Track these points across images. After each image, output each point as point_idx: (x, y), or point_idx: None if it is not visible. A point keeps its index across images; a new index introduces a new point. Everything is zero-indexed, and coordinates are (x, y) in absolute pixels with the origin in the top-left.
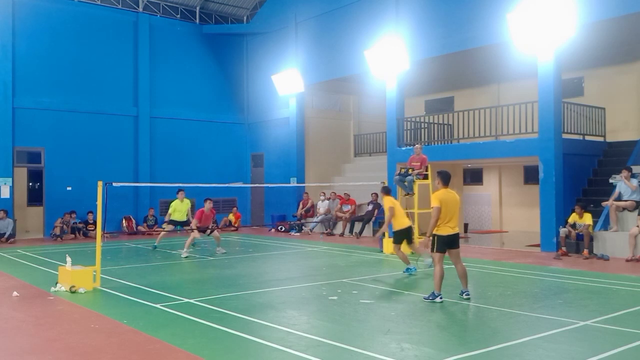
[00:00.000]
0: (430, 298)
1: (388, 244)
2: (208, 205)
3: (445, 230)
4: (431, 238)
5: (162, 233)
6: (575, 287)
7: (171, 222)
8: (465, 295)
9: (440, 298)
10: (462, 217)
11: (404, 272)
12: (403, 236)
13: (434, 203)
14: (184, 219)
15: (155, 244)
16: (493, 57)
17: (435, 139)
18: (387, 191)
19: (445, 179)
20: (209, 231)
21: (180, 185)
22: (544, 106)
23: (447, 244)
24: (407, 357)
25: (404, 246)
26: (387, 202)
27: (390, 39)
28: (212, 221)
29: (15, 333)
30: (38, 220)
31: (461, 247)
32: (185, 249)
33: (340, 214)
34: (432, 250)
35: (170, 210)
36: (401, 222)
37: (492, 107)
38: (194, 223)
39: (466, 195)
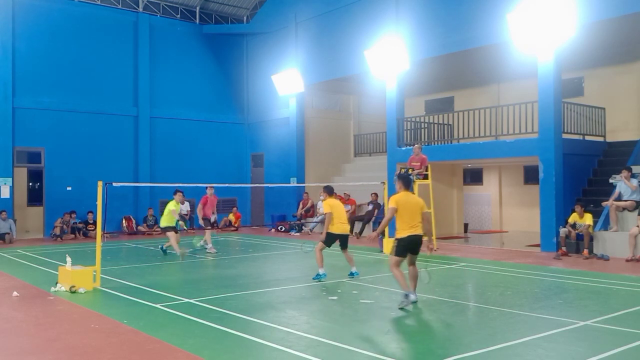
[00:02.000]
0: (403, 304)
1: (388, 243)
2: (210, 190)
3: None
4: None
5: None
6: (575, 287)
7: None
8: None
9: (413, 296)
10: (462, 217)
11: (313, 278)
12: (334, 240)
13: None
14: (173, 223)
15: (179, 254)
16: (493, 57)
17: (435, 139)
18: (330, 191)
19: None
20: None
21: (181, 185)
22: (544, 106)
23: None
24: (407, 357)
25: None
26: (326, 206)
27: (390, 39)
28: (215, 208)
29: (15, 333)
30: (38, 220)
31: (462, 247)
32: (209, 245)
33: None
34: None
35: (174, 208)
36: (340, 227)
37: (492, 107)
38: (199, 211)
39: (466, 195)
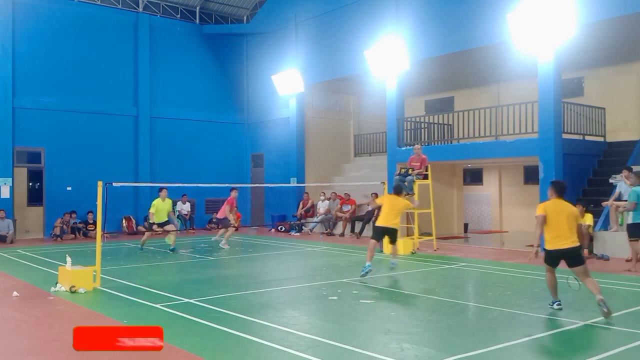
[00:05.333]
0: (549, 305)
1: (388, 244)
2: (234, 193)
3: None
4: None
5: (147, 234)
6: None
7: (159, 224)
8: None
9: (559, 304)
10: (462, 217)
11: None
12: (382, 234)
13: (538, 211)
14: (164, 219)
15: (141, 246)
16: (493, 57)
17: (435, 139)
18: (397, 190)
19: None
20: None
21: (180, 185)
22: (544, 106)
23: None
24: (407, 357)
25: (386, 246)
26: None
27: (390, 39)
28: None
29: (15, 333)
30: (38, 220)
31: (462, 247)
32: (224, 241)
33: (340, 214)
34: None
35: (152, 210)
36: (385, 219)
37: (492, 107)
38: (230, 216)
39: (466, 195)
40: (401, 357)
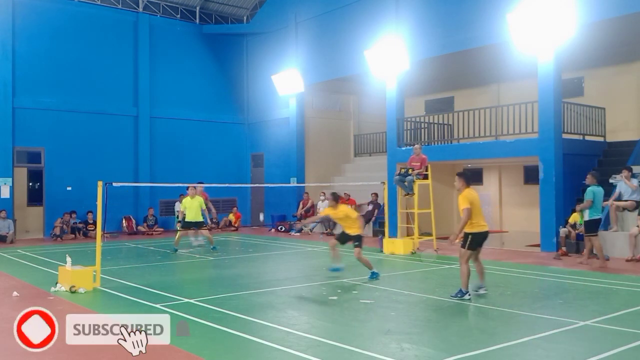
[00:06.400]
0: (459, 295)
1: (388, 243)
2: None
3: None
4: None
5: (178, 234)
6: (575, 287)
7: (184, 223)
8: (483, 290)
9: (469, 295)
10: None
11: (369, 278)
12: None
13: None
14: (199, 218)
15: (175, 247)
16: (493, 57)
17: (435, 139)
18: (336, 198)
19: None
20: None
21: (180, 185)
22: (544, 106)
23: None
24: (407, 357)
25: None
26: (342, 211)
27: (390, 39)
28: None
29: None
30: (38, 220)
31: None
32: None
33: None
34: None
35: (182, 208)
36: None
37: (492, 107)
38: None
39: None
40: (401, 357)
